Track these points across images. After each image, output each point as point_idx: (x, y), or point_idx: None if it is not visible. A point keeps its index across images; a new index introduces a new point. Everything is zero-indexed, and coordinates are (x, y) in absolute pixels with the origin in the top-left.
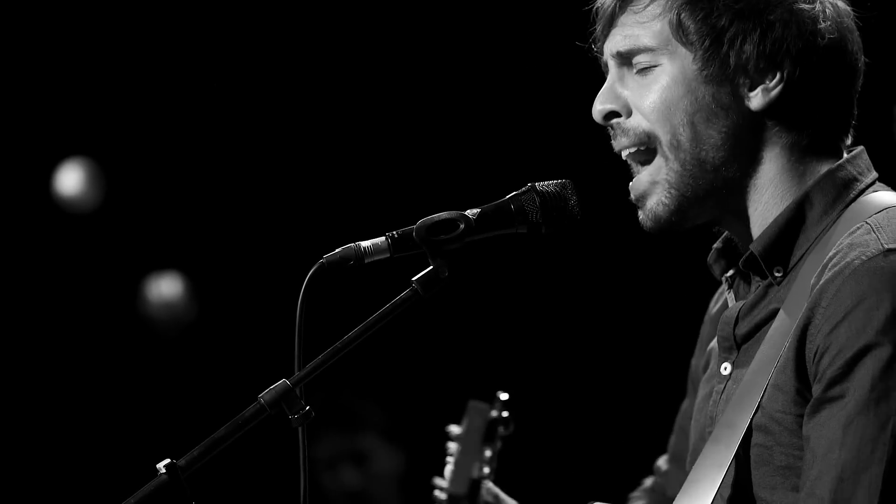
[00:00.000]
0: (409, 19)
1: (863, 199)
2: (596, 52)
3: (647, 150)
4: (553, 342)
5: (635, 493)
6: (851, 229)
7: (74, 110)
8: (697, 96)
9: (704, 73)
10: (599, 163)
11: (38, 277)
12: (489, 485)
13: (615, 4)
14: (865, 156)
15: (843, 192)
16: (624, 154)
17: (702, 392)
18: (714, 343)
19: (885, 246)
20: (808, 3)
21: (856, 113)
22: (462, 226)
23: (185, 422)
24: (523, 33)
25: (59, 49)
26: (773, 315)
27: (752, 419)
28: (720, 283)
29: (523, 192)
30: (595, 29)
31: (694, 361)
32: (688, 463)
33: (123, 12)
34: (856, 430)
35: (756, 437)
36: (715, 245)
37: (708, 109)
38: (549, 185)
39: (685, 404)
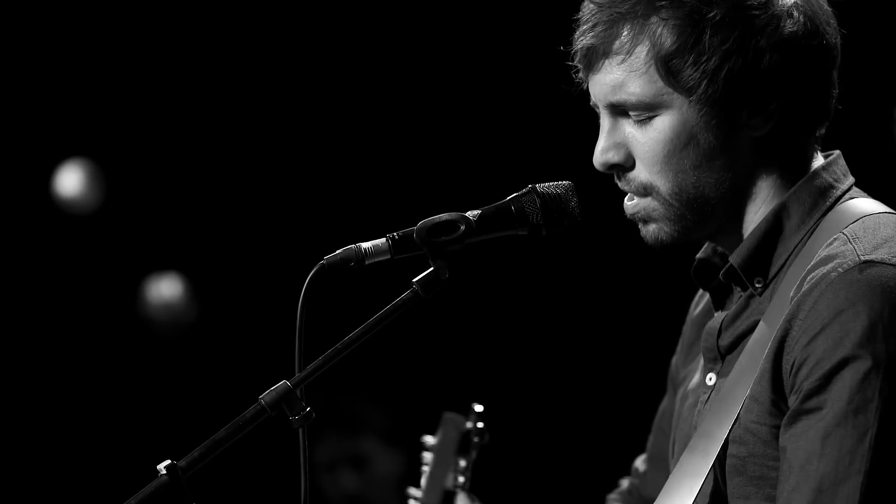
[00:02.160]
0: (410, 20)
1: (840, 207)
2: (580, 84)
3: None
4: (553, 344)
5: (612, 496)
6: (829, 241)
7: (74, 111)
8: (700, 142)
9: (705, 118)
10: None
11: (37, 279)
12: (464, 495)
13: (592, 55)
14: (842, 161)
15: (819, 200)
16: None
17: (688, 401)
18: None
19: (862, 257)
20: (790, 19)
21: (835, 94)
22: (463, 227)
23: (185, 423)
24: (524, 35)
25: (58, 49)
26: (754, 326)
27: (729, 431)
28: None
29: (524, 194)
30: (576, 67)
31: (674, 360)
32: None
33: (123, 12)
34: (834, 441)
35: (731, 449)
36: (698, 255)
37: (712, 152)
38: (549, 186)
39: (664, 404)
